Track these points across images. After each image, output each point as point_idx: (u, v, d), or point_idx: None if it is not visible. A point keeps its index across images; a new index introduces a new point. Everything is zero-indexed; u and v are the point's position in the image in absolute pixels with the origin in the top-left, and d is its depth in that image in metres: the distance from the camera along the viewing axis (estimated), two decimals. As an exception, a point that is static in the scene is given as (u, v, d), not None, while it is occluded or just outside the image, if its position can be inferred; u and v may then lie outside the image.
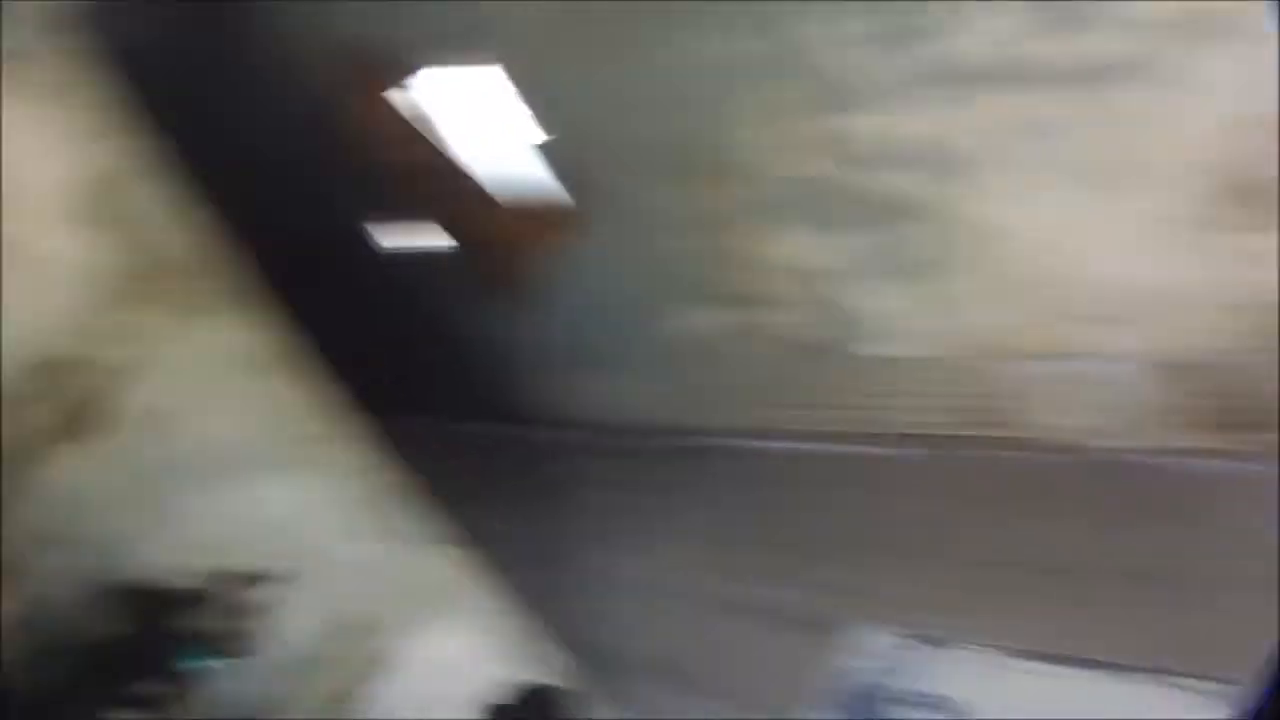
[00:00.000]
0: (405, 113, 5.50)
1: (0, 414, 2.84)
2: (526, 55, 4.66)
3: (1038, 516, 3.83)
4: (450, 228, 5.89)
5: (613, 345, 5.76)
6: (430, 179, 5.67)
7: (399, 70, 5.31)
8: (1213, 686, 2.81)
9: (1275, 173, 2.90)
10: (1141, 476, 3.77)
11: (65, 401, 3.09)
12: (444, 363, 7.47)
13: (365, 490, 3.60)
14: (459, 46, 4.89)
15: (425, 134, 5.50)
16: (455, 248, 6.08)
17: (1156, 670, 3.05)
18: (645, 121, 4.48)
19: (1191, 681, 2.93)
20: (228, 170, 8.08)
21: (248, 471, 3.35)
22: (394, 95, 5.46)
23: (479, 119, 5.20)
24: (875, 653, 3.69)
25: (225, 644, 2.93)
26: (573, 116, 4.80)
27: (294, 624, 3.30)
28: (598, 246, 5.26)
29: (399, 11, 4.97)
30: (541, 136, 4.95)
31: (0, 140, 2.87)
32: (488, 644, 3.73)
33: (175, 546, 3.12)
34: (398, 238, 6.63)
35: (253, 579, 3.02)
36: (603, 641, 4.41)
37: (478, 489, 6.62)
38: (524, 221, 5.43)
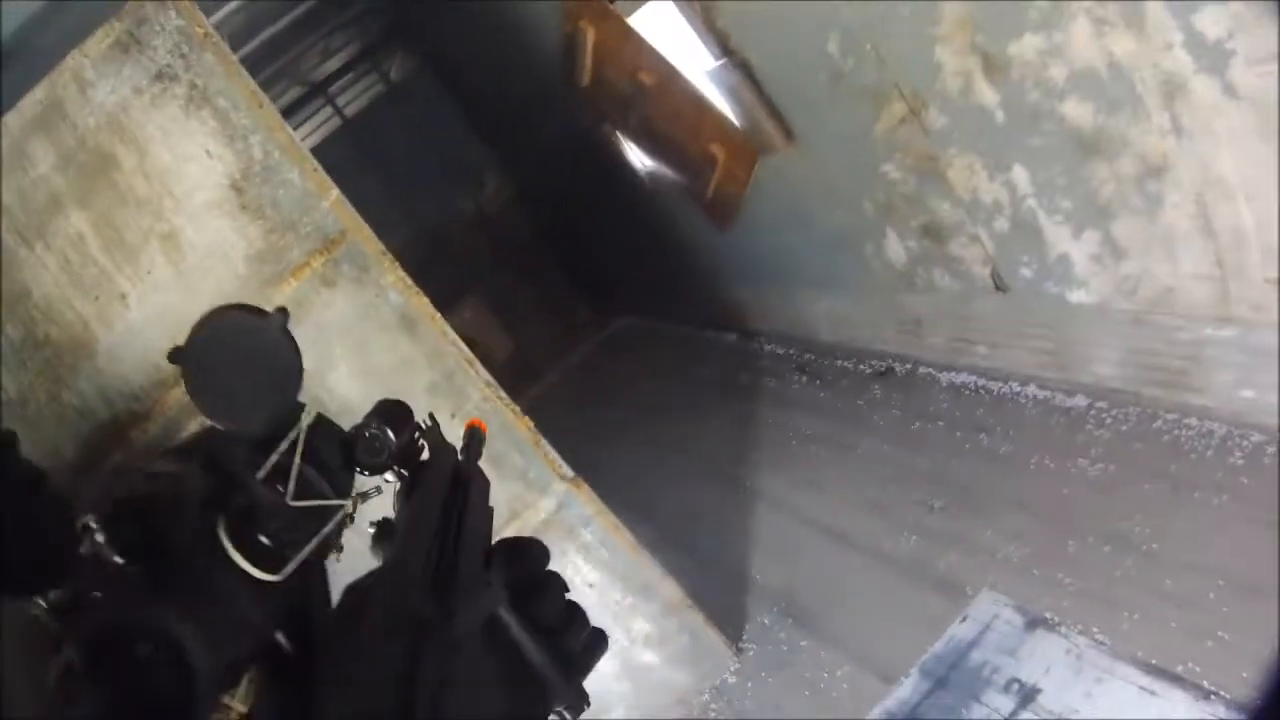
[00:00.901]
0: (638, 37, 5.59)
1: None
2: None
3: (1190, 500, 3.37)
4: (674, 145, 5.95)
5: (820, 265, 5.68)
6: (661, 99, 5.76)
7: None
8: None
9: None
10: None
11: None
12: (667, 272, 7.78)
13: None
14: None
15: (646, 52, 5.56)
16: (677, 162, 6.13)
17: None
18: (843, 43, 4.25)
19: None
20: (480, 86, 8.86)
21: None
22: (613, 15, 5.57)
23: (701, 47, 5.18)
24: (992, 627, 3.52)
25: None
26: (773, 41, 4.66)
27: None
28: (805, 169, 5.12)
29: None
30: (760, 64, 4.87)
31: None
32: (601, 575, 3.92)
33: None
34: (629, 153, 6.87)
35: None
36: (745, 565, 4.58)
37: (687, 388, 7.02)
38: (740, 142, 5.38)
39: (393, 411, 1.31)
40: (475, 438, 1.34)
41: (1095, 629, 3.20)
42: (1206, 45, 2.89)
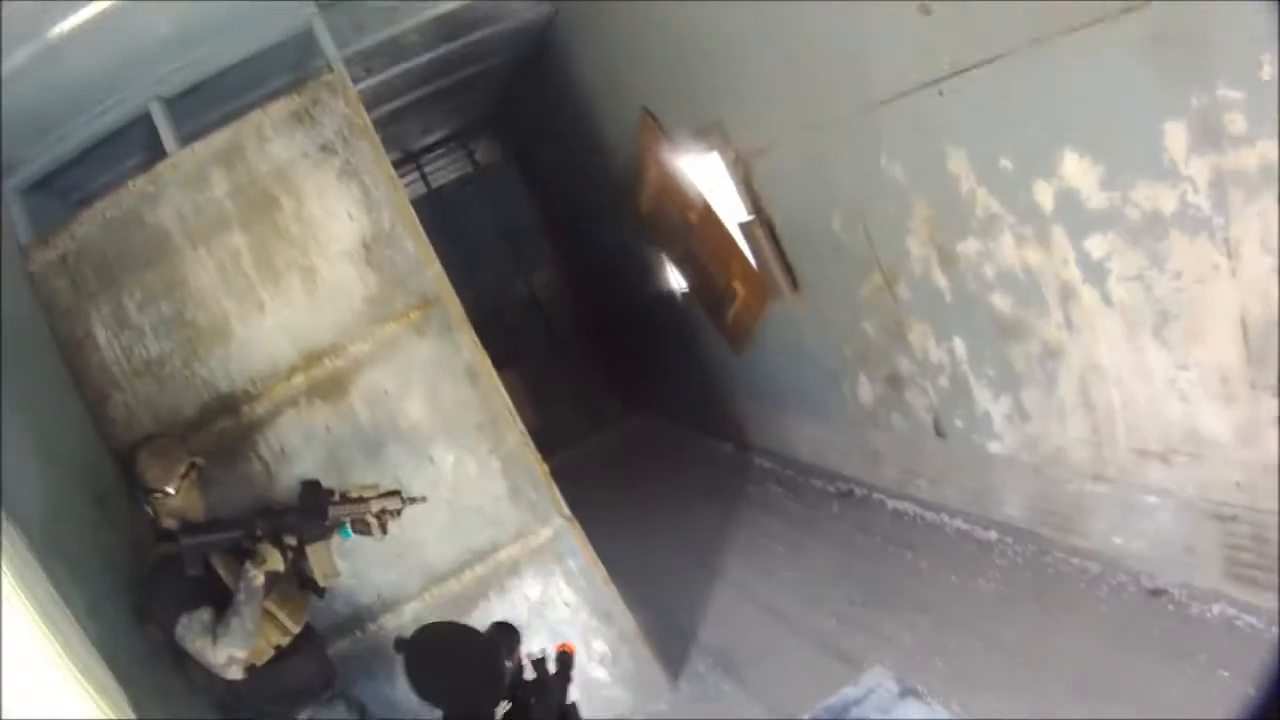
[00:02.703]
0: (680, 176, 6.55)
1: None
2: (767, 155, 5.54)
3: (1062, 620, 4.04)
4: (706, 276, 6.88)
5: (810, 396, 6.47)
6: (701, 236, 6.70)
7: (678, 141, 6.40)
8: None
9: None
10: (1159, 607, 3.83)
11: (321, 374, 4.25)
12: (684, 382, 8.66)
13: (508, 467, 4.44)
14: (718, 133, 5.88)
15: (694, 196, 6.49)
16: (707, 292, 7.05)
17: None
18: (843, 223, 5.12)
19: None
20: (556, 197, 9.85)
21: (429, 441, 4.35)
22: (671, 160, 6.55)
23: (730, 194, 6.14)
24: (875, 692, 4.21)
25: (369, 527, 3.47)
26: (793, 208, 5.57)
27: (434, 540, 4.35)
28: (806, 315, 5.95)
29: (679, 92, 6.10)
30: (780, 225, 5.77)
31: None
32: (577, 598, 4.54)
33: (367, 475, 4.14)
34: (666, 275, 7.85)
35: (409, 498, 3.56)
36: (694, 624, 5.27)
37: (675, 480, 7.84)
38: (758, 284, 6.27)
39: (507, 632, 1.91)
40: (565, 661, 1.93)
41: (955, 703, 3.87)
42: (1092, 263, 3.67)
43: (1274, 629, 3.45)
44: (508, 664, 1.80)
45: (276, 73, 5.07)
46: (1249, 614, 3.56)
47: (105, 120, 4.49)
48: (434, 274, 4.36)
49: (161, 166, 4.20)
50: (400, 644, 1.77)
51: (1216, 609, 3.65)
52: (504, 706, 1.69)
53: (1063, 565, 4.37)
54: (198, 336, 4.19)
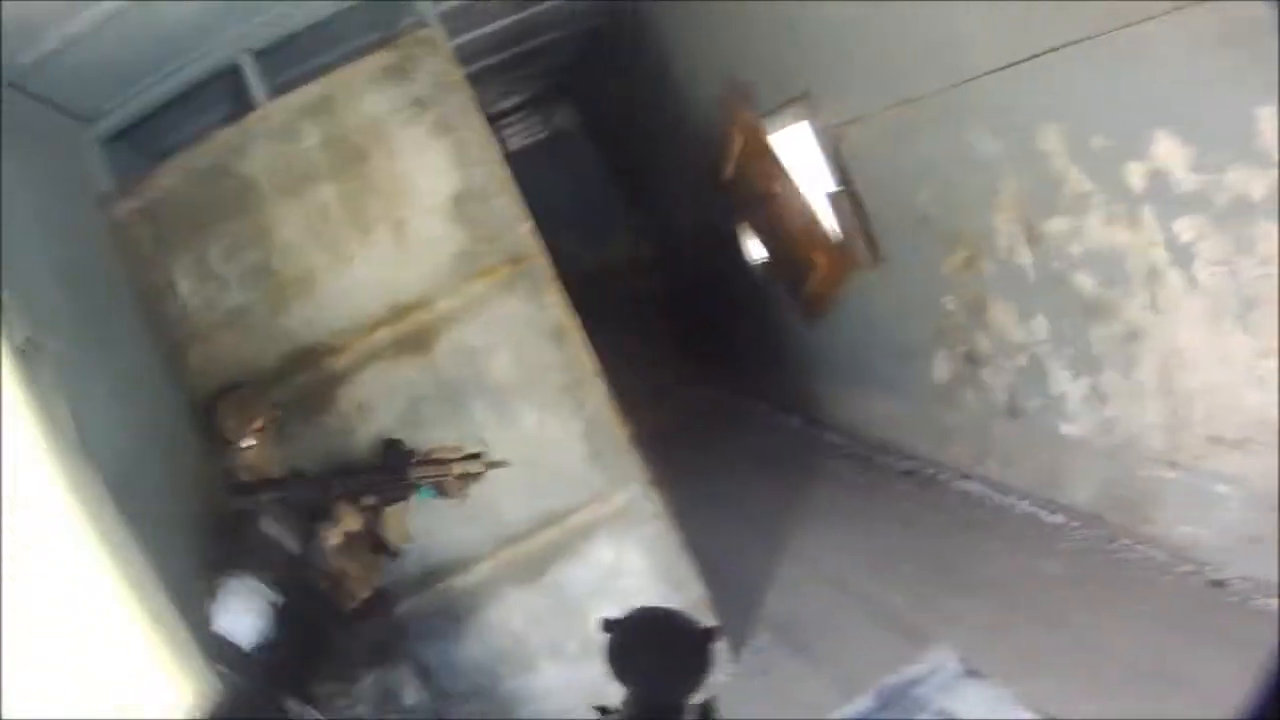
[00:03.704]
0: (767, 146, 6.63)
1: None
2: (855, 127, 5.62)
3: (1126, 608, 4.10)
4: (787, 246, 6.99)
5: (883, 371, 6.56)
6: (784, 206, 6.80)
7: (765, 111, 6.49)
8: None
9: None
10: (1221, 598, 3.88)
11: (406, 328, 4.30)
12: (757, 354, 8.76)
13: (590, 430, 4.48)
14: (806, 104, 5.97)
15: (780, 165, 6.57)
16: (785, 262, 7.16)
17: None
18: (929, 196, 5.19)
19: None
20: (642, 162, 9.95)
21: (512, 399, 4.40)
22: (760, 129, 6.64)
23: (816, 165, 6.23)
24: (938, 670, 4.32)
25: (449, 490, 3.56)
26: (880, 181, 5.65)
27: (509, 500, 4.32)
28: (885, 288, 6.03)
29: (768, 61, 6.19)
30: (866, 197, 5.84)
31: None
32: (648, 565, 4.57)
33: (449, 437, 4.09)
34: (745, 245, 7.97)
35: (491, 462, 3.64)
36: (760, 597, 5.41)
37: (742, 452, 7.97)
38: (839, 256, 6.36)
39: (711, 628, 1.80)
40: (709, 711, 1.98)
41: (1017, 685, 3.97)
42: (1179, 245, 3.71)
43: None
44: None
45: (366, 29, 5.16)
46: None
47: (191, 72, 4.53)
48: (525, 232, 4.40)
49: (251, 118, 4.30)
50: (610, 624, 1.77)
51: (1276, 603, 3.67)
52: (702, 696, 1.74)
53: (1129, 552, 4.41)
54: (283, 287, 4.27)
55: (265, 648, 3.08)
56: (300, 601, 3.19)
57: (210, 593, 3.17)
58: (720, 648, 4.68)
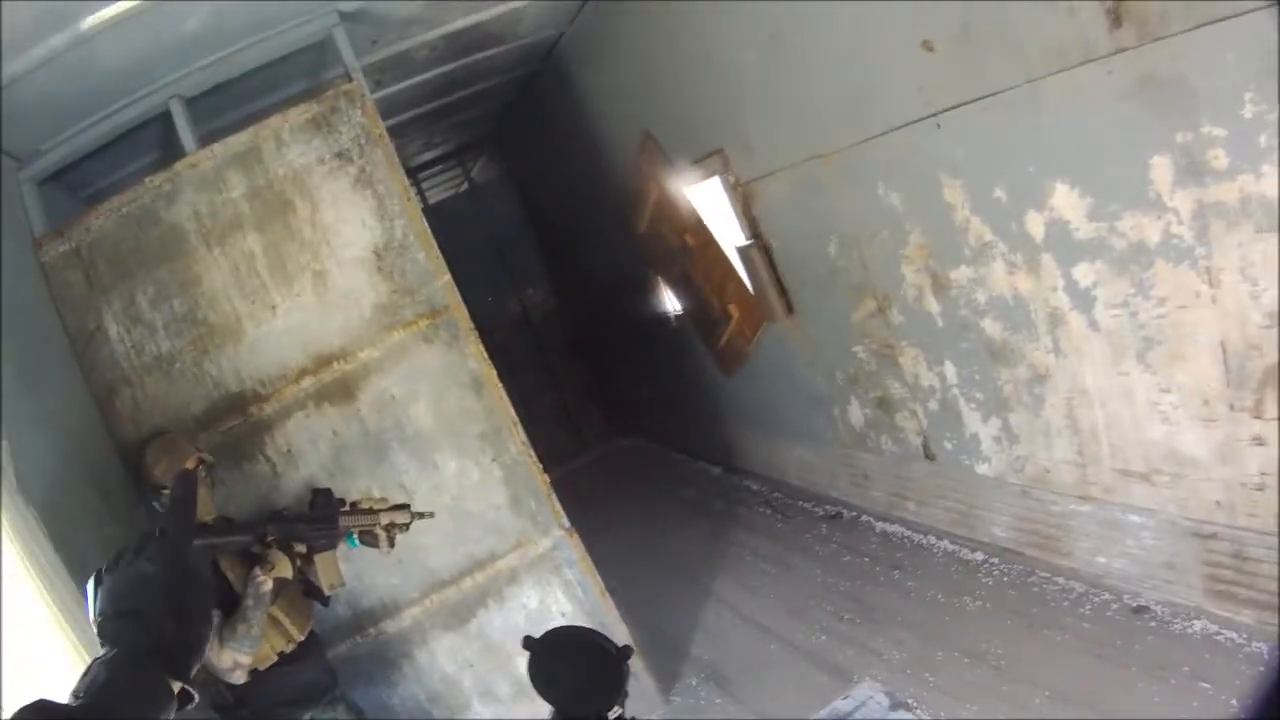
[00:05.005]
0: (681, 199, 6.78)
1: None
2: (767, 182, 5.78)
3: (1047, 637, 4.25)
4: (701, 298, 7.12)
5: (799, 418, 6.70)
6: (698, 259, 6.94)
7: (679, 165, 6.64)
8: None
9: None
10: (1141, 624, 4.05)
11: (330, 377, 4.34)
12: (674, 404, 8.89)
13: (510, 477, 4.54)
14: (719, 159, 6.13)
15: (694, 219, 6.73)
16: (700, 314, 7.28)
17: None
18: (839, 249, 5.36)
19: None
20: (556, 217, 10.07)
21: (433, 447, 4.46)
22: (673, 183, 6.78)
23: (729, 218, 6.38)
24: (866, 705, 4.40)
25: (378, 540, 3.49)
26: (791, 234, 5.81)
27: (435, 546, 4.41)
28: (798, 339, 6.19)
29: (682, 117, 6.36)
30: (778, 250, 6.00)
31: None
32: (574, 609, 4.63)
33: (373, 485, 4.30)
34: (660, 297, 8.10)
35: (417, 513, 3.58)
36: (686, 641, 5.44)
37: (664, 500, 8.06)
38: (753, 307, 6.50)
39: (625, 651, 1.87)
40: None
41: (942, 714, 4.09)
42: (1079, 290, 3.92)
43: (1254, 644, 3.68)
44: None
45: (293, 79, 5.20)
46: (1229, 629, 3.79)
47: (125, 116, 4.55)
48: (443, 284, 4.50)
49: (180, 165, 4.31)
50: (531, 641, 1.87)
51: (1198, 625, 3.88)
52: (617, 711, 1.82)
53: (1048, 584, 4.59)
54: (209, 335, 4.31)
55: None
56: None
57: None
58: (647, 685, 4.76)
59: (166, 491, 3.32)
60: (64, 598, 2.76)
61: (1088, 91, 3.38)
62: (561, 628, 1.95)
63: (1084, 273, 3.90)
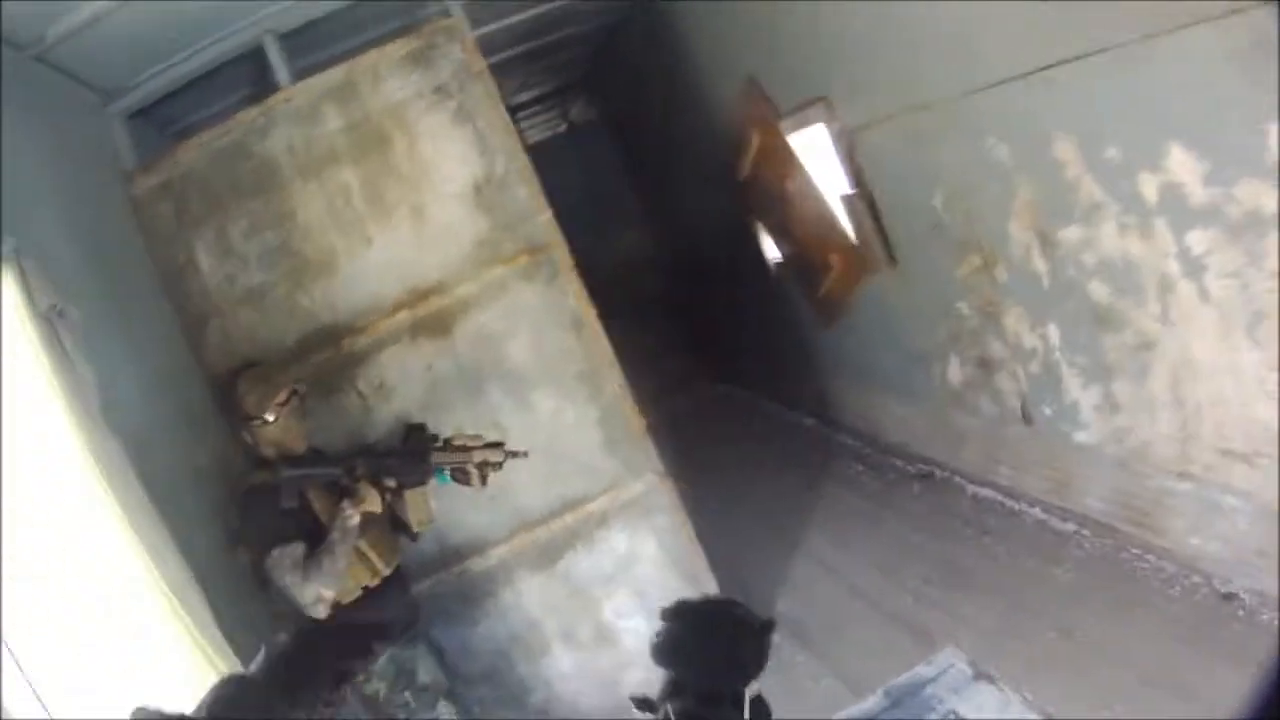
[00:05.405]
0: (784, 146, 6.65)
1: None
2: (872, 130, 5.65)
3: (1135, 616, 4.14)
4: (802, 247, 7.02)
5: (897, 374, 6.60)
6: (800, 207, 6.84)
7: (782, 111, 6.52)
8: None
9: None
10: (1229, 611, 3.92)
11: (425, 311, 4.35)
12: (771, 354, 8.80)
13: (606, 418, 4.53)
14: (824, 106, 6.00)
15: (796, 166, 6.60)
16: (800, 263, 7.20)
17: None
18: (944, 202, 5.21)
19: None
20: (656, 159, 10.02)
21: (529, 385, 4.45)
22: (777, 129, 6.66)
23: (833, 167, 6.26)
24: (948, 672, 4.37)
25: (470, 478, 3.56)
26: (895, 184, 5.67)
27: (526, 486, 4.37)
28: (899, 292, 6.06)
29: (787, 62, 6.23)
30: (881, 200, 5.87)
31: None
32: (662, 555, 4.62)
33: (466, 421, 4.21)
34: (760, 245, 8.01)
35: (511, 451, 3.60)
36: (772, 594, 5.46)
37: (755, 450, 8.04)
38: (854, 258, 6.39)
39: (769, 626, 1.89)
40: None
41: (1025, 689, 4.01)
42: (1191, 257, 3.73)
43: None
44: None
45: (388, 17, 5.20)
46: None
47: (215, 52, 4.54)
48: (545, 221, 4.45)
49: (273, 99, 4.31)
50: (671, 611, 1.81)
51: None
52: (755, 687, 1.76)
53: (1138, 561, 4.44)
54: (302, 268, 4.31)
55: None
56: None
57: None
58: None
59: (257, 422, 3.44)
60: (149, 535, 2.82)
61: (1202, 52, 3.17)
62: (705, 598, 1.92)
63: (1197, 239, 3.70)
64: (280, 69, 4.54)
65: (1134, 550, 4.52)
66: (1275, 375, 3.55)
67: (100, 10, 3.65)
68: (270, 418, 3.41)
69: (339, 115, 4.33)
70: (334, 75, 4.35)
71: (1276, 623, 3.74)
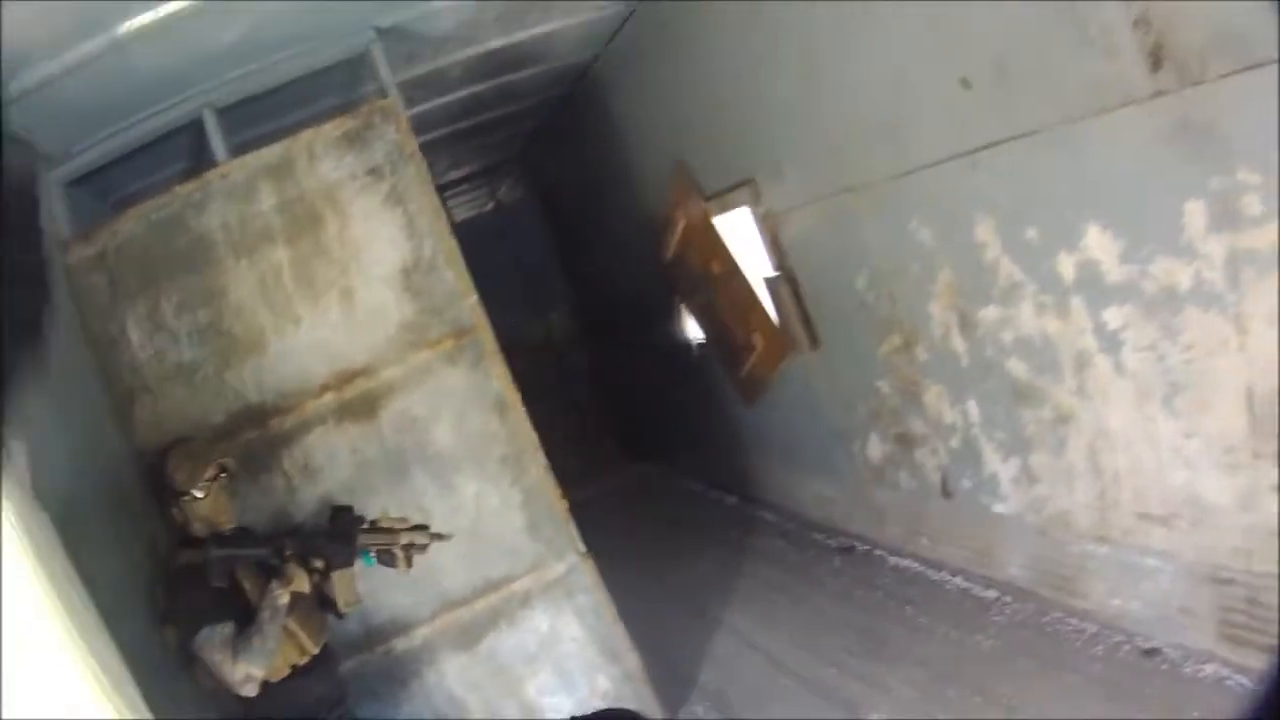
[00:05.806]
0: (709, 228, 6.85)
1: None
2: (797, 213, 5.86)
3: (1059, 678, 4.22)
4: (725, 327, 7.16)
5: (819, 451, 6.73)
6: (724, 288, 7.00)
7: (709, 193, 6.72)
8: None
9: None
10: (1153, 666, 4.03)
11: (352, 393, 4.35)
12: (693, 433, 8.91)
13: (529, 501, 4.55)
14: (750, 189, 6.20)
15: (721, 248, 6.79)
16: (724, 343, 7.33)
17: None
18: (866, 283, 5.42)
19: None
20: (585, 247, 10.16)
21: (453, 468, 4.46)
22: (703, 211, 6.86)
23: (757, 249, 6.44)
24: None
25: (396, 560, 3.58)
26: (819, 266, 5.87)
27: (450, 567, 4.36)
28: (822, 371, 6.24)
29: (715, 146, 6.44)
30: (805, 282, 6.07)
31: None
32: (585, 634, 4.64)
33: (391, 504, 4.18)
34: (683, 325, 8.15)
35: (436, 534, 3.65)
36: (694, 669, 5.43)
37: (678, 528, 8.07)
38: (777, 338, 6.53)
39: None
40: None
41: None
42: (1108, 333, 3.94)
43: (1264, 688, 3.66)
44: None
45: (326, 93, 5.27)
46: (1240, 674, 3.75)
47: (156, 123, 4.58)
48: (470, 305, 4.50)
49: (211, 174, 4.32)
50: None
51: (1209, 669, 3.85)
52: None
53: (1061, 625, 4.57)
54: (232, 346, 4.30)
55: None
56: None
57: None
58: (653, 711, 4.73)
59: (186, 498, 3.36)
60: (75, 607, 2.72)
61: (1125, 134, 3.43)
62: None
63: (1113, 315, 3.92)
64: (218, 143, 4.54)
65: (1056, 614, 4.65)
66: (1191, 442, 3.75)
67: (43, 78, 3.62)
68: (199, 494, 3.37)
69: (274, 193, 4.36)
70: (271, 153, 4.39)
71: (1200, 674, 3.88)
